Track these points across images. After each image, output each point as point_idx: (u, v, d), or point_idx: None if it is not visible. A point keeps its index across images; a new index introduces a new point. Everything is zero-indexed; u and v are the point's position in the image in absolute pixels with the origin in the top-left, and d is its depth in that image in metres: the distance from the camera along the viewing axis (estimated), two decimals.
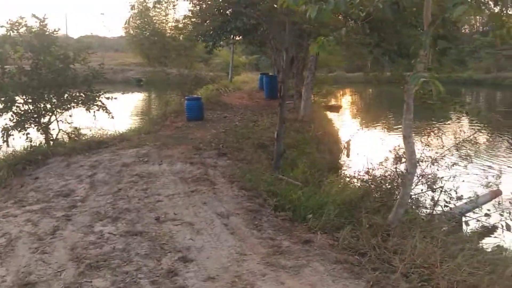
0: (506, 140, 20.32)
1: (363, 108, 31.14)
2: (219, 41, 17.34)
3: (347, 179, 8.54)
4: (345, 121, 24.60)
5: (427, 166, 7.02)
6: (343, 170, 12.99)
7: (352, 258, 4.49)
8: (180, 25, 24.68)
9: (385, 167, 7.21)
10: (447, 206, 6.70)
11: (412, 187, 6.72)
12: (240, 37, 19.54)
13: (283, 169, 8.72)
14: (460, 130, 7.51)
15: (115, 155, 9.74)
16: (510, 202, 8.86)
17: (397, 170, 6.35)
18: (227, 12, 15.51)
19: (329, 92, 23.63)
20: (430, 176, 6.59)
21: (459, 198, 7.61)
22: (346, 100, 37.30)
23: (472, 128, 20.07)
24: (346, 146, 16.84)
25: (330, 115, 22.65)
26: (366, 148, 12.76)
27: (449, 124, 19.37)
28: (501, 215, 7.40)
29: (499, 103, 38.82)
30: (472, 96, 44.79)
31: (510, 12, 5.32)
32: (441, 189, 6.62)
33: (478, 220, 7.95)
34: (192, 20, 19.04)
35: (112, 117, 12.05)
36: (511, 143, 18.97)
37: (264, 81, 21.81)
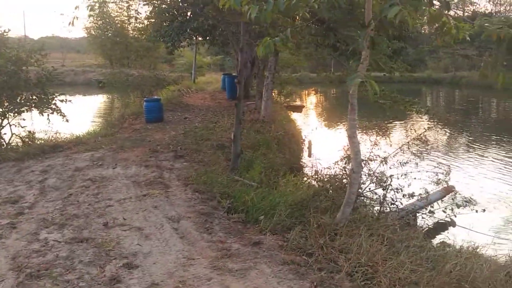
0: (464, 136, 21.02)
1: (326, 108, 31.51)
2: (179, 42, 17.18)
3: (304, 178, 8.59)
4: (308, 121, 24.83)
5: (379, 164, 7.12)
6: (304, 170, 13.11)
7: (299, 259, 4.49)
8: (141, 26, 24.45)
9: (340, 166, 7.27)
10: (393, 204, 6.81)
11: (365, 186, 6.83)
12: (200, 38, 19.42)
13: (240, 170, 8.68)
14: (411, 129, 7.63)
15: (69, 159, 9.50)
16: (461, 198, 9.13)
17: (346, 169, 6.41)
18: (186, 13, 15.39)
19: (292, 92, 23.74)
20: (378, 174, 6.67)
21: (411, 195, 7.77)
22: (310, 100, 37.67)
23: (437, 126, 20.68)
24: (307, 146, 17.01)
25: (293, 115, 22.82)
26: (328, 147, 12.93)
27: (412, 122, 19.90)
28: (444, 212, 7.60)
29: (457, 101, 39.99)
30: (432, 95, 46.05)
31: (451, 13, 5.45)
32: (391, 186, 6.72)
33: (430, 216, 8.15)
34: (152, 20, 18.84)
35: (67, 121, 11.76)
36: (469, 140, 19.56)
37: (226, 81, 21.77)
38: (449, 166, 7.76)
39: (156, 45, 24.77)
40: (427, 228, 7.76)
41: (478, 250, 4.76)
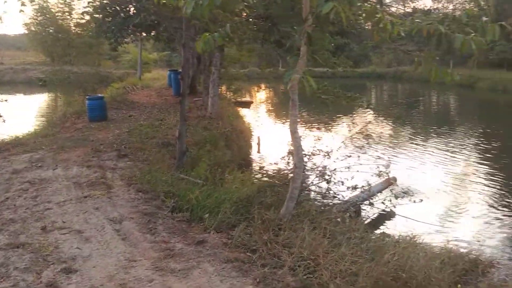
0: (406, 129, 21.81)
1: (275, 103, 31.75)
2: (122, 38, 16.75)
3: (252, 174, 8.60)
4: (257, 116, 24.93)
5: (324, 158, 7.23)
6: (253, 165, 13.17)
7: (243, 256, 4.48)
8: (83, 22, 23.59)
9: (285, 162, 7.33)
10: (335, 197, 6.95)
11: (310, 180, 6.92)
12: (144, 33, 19.03)
13: (186, 168, 8.59)
14: (354, 123, 7.82)
15: (6, 161, 9.03)
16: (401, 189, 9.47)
17: (290, 164, 6.47)
18: (128, 8, 15.02)
19: (240, 88, 23.71)
20: (321, 168, 6.77)
21: (354, 187, 7.96)
22: (259, 95, 37.82)
23: (381, 119, 21.34)
24: (257, 142, 17.08)
25: (242, 111, 22.85)
26: (277, 142, 13.01)
27: (357, 117, 20.39)
28: (383, 203, 7.86)
29: (400, 94, 41.43)
30: (376, 89, 47.48)
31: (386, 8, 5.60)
32: (334, 180, 6.85)
33: (372, 208, 8.39)
34: (94, 16, 18.23)
35: (4, 121, 11.17)
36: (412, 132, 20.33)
37: (172, 77, 21.41)
38: (389, 158, 8.00)
39: (99, 41, 24.04)
40: (369, 220, 8.00)
41: (415, 239, 4.94)
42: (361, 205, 8.63)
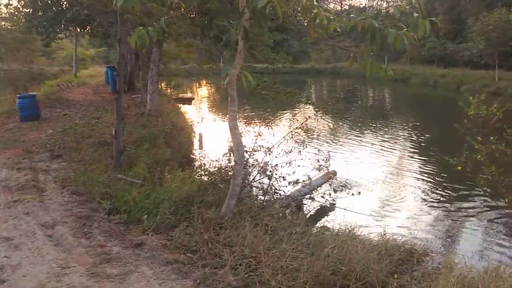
0: (345, 123, 22.38)
1: (217, 99, 31.56)
2: (55, 33, 15.94)
3: (193, 172, 8.44)
4: (199, 112, 24.66)
5: (265, 155, 7.22)
6: (195, 163, 12.96)
7: (183, 257, 4.36)
8: (10, 15, 22.22)
9: (226, 159, 7.25)
10: (276, 193, 6.98)
11: (252, 176, 6.89)
12: (79, 29, 18.24)
13: (124, 167, 8.30)
14: (294, 118, 7.87)
15: None
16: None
17: (231, 161, 6.40)
18: (61, 2, 14.30)
19: (180, 84, 23.33)
20: (263, 164, 6.76)
21: (296, 182, 8.03)
22: (201, 91, 37.46)
23: (321, 114, 21.67)
24: (198, 138, 16.87)
25: (184, 107, 22.51)
26: (220, 138, 12.89)
27: (298, 112, 20.63)
28: (323, 197, 8.00)
29: (338, 90, 42.51)
30: (316, 85, 48.45)
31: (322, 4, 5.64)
32: (276, 175, 6.86)
33: (313, 201, 8.52)
34: (25, 10, 17.25)
35: None
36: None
37: (109, 74, 20.71)
38: (328, 152, 8.13)
39: (31, 37, 22.80)
40: (311, 213, 8.12)
41: (354, 231, 5.03)
42: (302, 200, 8.75)
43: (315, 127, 18.69)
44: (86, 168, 7.96)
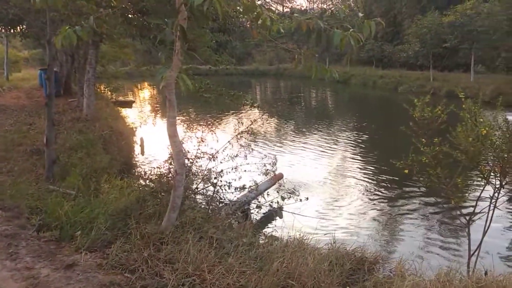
0: (290, 125, 22.46)
1: (159, 102, 30.75)
2: None
3: (133, 181, 7.96)
4: (139, 116, 23.87)
5: (209, 161, 6.91)
6: (136, 169, 12.41)
7: (120, 278, 3.96)
8: None
9: (166, 167, 6.85)
10: (221, 202, 6.70)
11: (195, 185, 6.53)
12: (8, 29, 17.04)
13: (58, 178, 7.70)
14: (239, 122, 7.61)
15: None
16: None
17: (171, 169, 6.04)
18: None
19: (120, 87, 22.46)
20: (207, 172, 6.44)
21: (242, 188, 7.78)
22: (143, 94, 36.45)
23: (268, 116, 21.55)
24: (140, 144, 16.24)
25: (124, 111, 21.72)
26: (164, 143, 12.42)
27: (243, 115, 20.38)
28: (270, 205, 7.83)
29: (282, 91, 42.85)
30: (260, 86, 48.64)
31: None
32: (221, 182, 6.56)
33: (259, 209, 8.32)
34: None
35: None
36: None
37: (43, 77, 19.56)
38: (275, 156, 7.94)
39: None
40: (259, 219, 7.91)
41: (303, 241, 4.83)
42: (249, 206, 8.52)
43: (261, 130, 18.65)
44: (15, 180, 7.29)
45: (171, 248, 4.29)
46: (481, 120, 4.43)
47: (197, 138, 6.28)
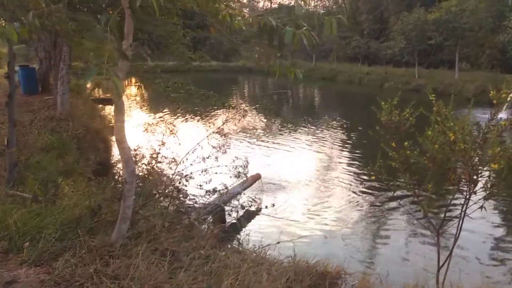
0: (277, 123, 22.19)
1: (146, 99, 30.29)
2: None
3: (102, 183, 7.62)
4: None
5: (177, 164, 6.60)
6: (113, 171, 12.04)
7: None
8: None
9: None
10: (189, 207, 6.40)
11: (157, 191, 6.21)
12: None
13: (21, 181, 7.33)
14: (210, 122, 7.32)
15: None
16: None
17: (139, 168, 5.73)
18: None
19: (99, 84, 21.82)
20: (174, 174, 6.13)
21: (213, 191, 7.50)
22: (127, 91, 35.85)
23: (254, 113, 21.24)
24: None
25: (105, 109, 21.25)
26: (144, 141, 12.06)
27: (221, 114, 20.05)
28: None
29: (270, 88, 42.57)
30: (248, 83, 48.30)
31: None
32: (185, 186, 6.26)
33: (233, 210, 8.05)
34: None
35: None
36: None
37: (20, 74, 19.03)
38: (246, 158, 7.65)
39: None
40: (234, 223, 7.66)
41: (262, 254, 4.54)
42: (223, 209, 8.24)
43: (249, 126, 18.36)
44: None
45: (120, 262, 3.98)
46: (451, 124, 4.16)
47: (158, 141, 5.96)
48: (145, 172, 6.00)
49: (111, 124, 17.71)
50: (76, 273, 3.93)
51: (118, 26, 3.09)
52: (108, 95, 26.44)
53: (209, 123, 7.24)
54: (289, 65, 3.97)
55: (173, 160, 6.07)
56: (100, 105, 21.74)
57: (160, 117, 23.23)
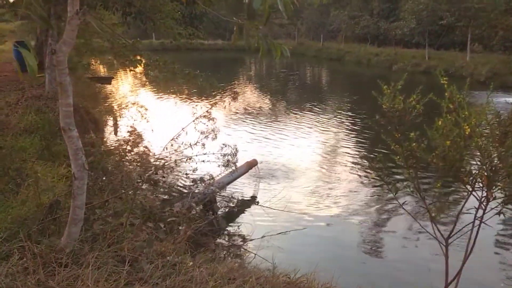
0: (282, 105, 21.45)
1: (144, 79, 29.53)
2: None
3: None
4: (118, 93, 22.76)
5: (154, 154, 5.97)
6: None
7: None
8: None
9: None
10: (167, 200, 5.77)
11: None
12: None
13: None
14: (196, 105, 6.67)
15: None
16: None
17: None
18: None
19: (91, 61, 21.06)
20: (154, 167, 5.41)
21: (202, 180, 6.92)
22: (123, 70, 35.15)
23: (260, 94, 20.54)
24: (113, 123, 15.23)
25: (100, 87, 20.65)
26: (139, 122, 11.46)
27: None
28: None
29: (277, 68, 41.71)
30: (255, 63, 47.40)
31: None
32: (163, 178, 5.59)
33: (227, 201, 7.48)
34: None
35: None
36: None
37: (15, 51, 18.39)
38: (235, 146, 6.98)
39: None
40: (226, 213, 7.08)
41: (236, 265, 3.91)
42: (214, 199, 7.64)
43: (254, 108, 17.52)
44: None
45: (68, 272, 3.36)
46: (466, 113, 3.46)
47: (127, 126, 5.29)
48: (112, 163, 5.36)
49: (106, 104, 17.17)
50: (15, 285, 3.31)
51: None
52: (106, 73, 25.87)
53: (196, 106, 6.52)
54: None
55: (145, 148, 5.41)
56: (99, 84, 21.12)
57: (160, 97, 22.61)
